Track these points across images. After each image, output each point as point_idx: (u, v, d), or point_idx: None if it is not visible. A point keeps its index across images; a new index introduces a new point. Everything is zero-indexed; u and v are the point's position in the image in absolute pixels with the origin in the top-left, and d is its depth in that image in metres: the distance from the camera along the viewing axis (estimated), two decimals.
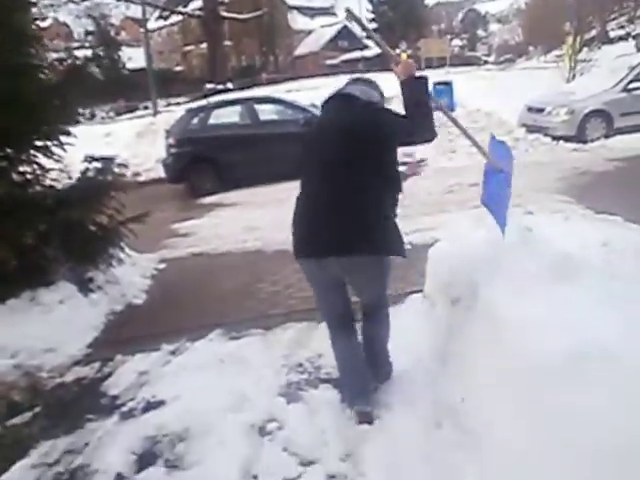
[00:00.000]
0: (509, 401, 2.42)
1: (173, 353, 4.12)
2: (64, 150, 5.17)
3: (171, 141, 9.95)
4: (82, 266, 5.10)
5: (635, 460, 1.86)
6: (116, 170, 5.30)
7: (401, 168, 2.99)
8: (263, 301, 4.93)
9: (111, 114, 30.98)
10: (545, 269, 2.76)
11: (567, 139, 10.99)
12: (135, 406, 3.41)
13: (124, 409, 3.40)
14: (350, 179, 2.62)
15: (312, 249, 2.70)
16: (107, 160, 5.24)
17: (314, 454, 2.64)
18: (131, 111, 27.72)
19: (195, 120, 10.14)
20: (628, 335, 2.18)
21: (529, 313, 2.39)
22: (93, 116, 31.90)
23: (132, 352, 4.18)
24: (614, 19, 28.13)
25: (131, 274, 5.82)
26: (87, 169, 5.12)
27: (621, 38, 24.05)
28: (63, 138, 5.09)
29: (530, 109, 11.99)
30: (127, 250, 6.12)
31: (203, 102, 12.47)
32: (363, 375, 2.97)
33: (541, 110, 11.55)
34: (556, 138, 11.08)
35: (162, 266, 6.26)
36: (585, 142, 10.89)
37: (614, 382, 2.03)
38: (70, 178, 5.18)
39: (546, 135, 11.19)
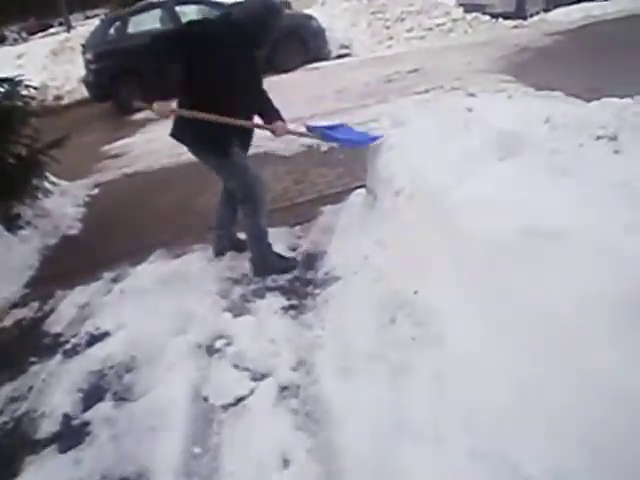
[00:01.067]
0: (462, 286, 2.35)
1: (115, 281, 3.92)
2: None
3: (89, 56, 9.15)
4: (5, 202, 4.71)
5: (583, 335, 1.81)
6: (25, 93, 4.76)
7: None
8: (202, 215, 4.68)
9: (23, 34, 28.53)
10: (489, 149, 2.62)
11: (506, 16, 10.64)
12: (79, 342, 3.23)
13: (67, 346, 3.22)
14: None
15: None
16: (12, 82, 4.69)
17: (265, 367, 2.55)
18: (45, 29, 25.49)
19: (112, 30, 9.30)
20: (573, 210, 2.08)
21: (477, 194, 2.27)
22: (3, 38, 29.36)
23: (72, 285, 3.95)
24: None
25: (62, 204, 5.47)
26: None
27: None
28: None
29: None
30: (54, 179, 5.74)
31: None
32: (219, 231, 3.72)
33: None
34: (495, 16, 10.70)
35: (95, 192, 5.90)
36: (525, 18, 10.59)
37: (563, 257, 1.95)
38: None
39: (484, 13, 10.80)
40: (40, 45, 14.00)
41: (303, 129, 3.58)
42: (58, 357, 3.13)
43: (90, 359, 3.01)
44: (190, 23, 3.23)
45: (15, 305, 3.98)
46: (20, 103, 4.70)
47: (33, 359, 3.19)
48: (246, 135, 3.31)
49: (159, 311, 3.25)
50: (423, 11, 11.10)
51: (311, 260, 3.48)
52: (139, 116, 8.93)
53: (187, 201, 5.02)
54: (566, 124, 3.53)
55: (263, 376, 2.50)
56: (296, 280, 3.30)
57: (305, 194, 4.58)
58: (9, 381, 3.04)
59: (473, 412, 1.97)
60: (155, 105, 2.87)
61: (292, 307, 3.02)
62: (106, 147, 7.50)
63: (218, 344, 2.82)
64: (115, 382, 2.76)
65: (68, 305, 3.73)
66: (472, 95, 6.20)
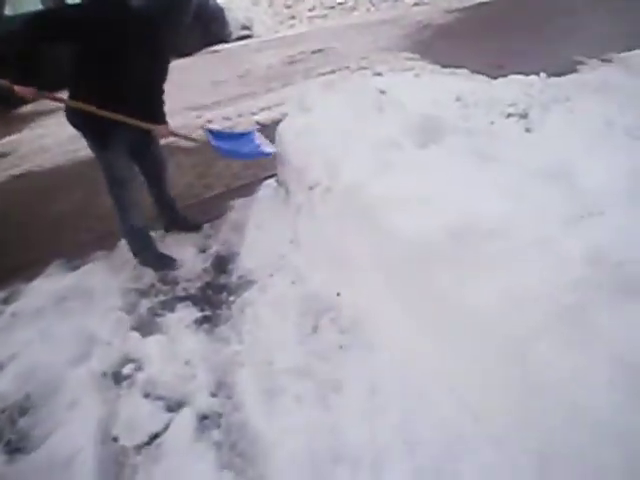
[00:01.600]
0: (388, 287, 2.19)
1: (5, 301, 3.44)
2: None
3: None
4: None
5: (518, 337, 1.69)
6: None
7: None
8: (103, 218, 4.25)
9: None
10: (407, 134, 2.45)
11: None
12: None
13: None
14: None
15: None
16: None
17: (181, 393, 2.27)
18: None
19: None
20: (499, 204, 1.95)
21: (398, 187, 2.08)
22: None
23: None
24: None
25: None
26: None
27: None
28: None
29: None
30: None
31: None
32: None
33: None
34: None
35: None
36: None
37: (492, 256, 1.81)
38: None
39: None
40: None
41: (200, 131, 3.30)
42: None
43: None
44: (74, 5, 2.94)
45: None
46: None
47: None
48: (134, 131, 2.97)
49: (56, 336, 2.86)
50: None
51: (223, 262, 3.21)
52: (27, 109, 8.12)
53: (85, 203, 4.55)
54: (476, 102, 3.45)
55: (179, 405, 2.22)
56: (208, 287, 3.02)
57: (212, 188, 4.26)
58: None
59: (413, 427, 1.81)
60: (16, 87, 2.65)
61: (206, 319, 2.74)
62: None
63: (126, 370, 2.50)
64: (7, 429, 2.36)
65: None
66: (379, 75, 6.09)
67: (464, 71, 5.73)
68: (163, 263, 3.33)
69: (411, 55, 6.82)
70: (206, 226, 3.66)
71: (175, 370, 2.39)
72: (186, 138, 3.53)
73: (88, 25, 2.56)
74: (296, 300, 2.56)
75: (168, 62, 2.99)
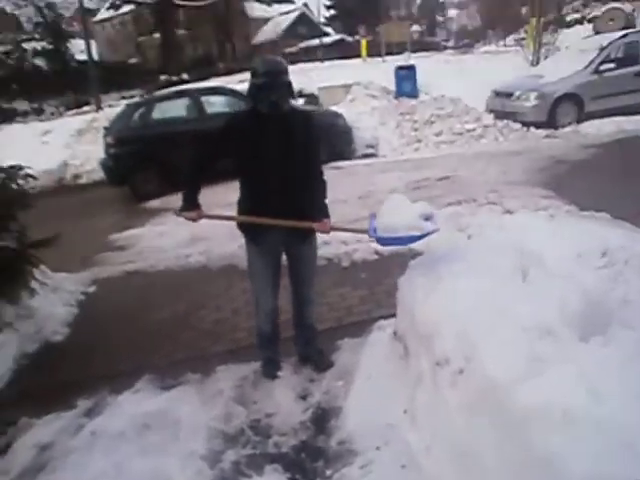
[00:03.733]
0: None
1: (89, 413, 3.29)
2: None
3: (109, 140, 8.92)
4: None
5: None
6: (21, 182, 4.34)
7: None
8: (204, 334, 4.12)
9: (61, 109, 29.33)
10: (562, 319, 2.02)
11: (538, 125, 10.38)
12: None
13: None
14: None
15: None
16: (9, 171, 4.28)
17: None
18: (81, 105, 26.14)
19: (136, 116, 9.12)
20: None
21: (555, 400, 1.63)
22: (41, 111, 30.17)
23: (41, 411, 3.34)
24: (569, 3, 28.02)
25: (52, 302, 4.91)
26: None
27: (577, 21, 23.92)
28: None
29: (498, 94, 11.32)
30: (49, 272, 5.24)
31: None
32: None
33: (509, 95, 10.89)
34: (526, 124, 10.44)
35: (92, 289, 5.35)
36: (556, 128, 10.32)
37: None
38: None
39: (516, 121, 10.55)
40: (68, 123, 14.08)
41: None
42: None
43: None
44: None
45: None
46: (14, 193, 4.24)
47: None
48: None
49: (131, 474, 2.60)
50: (453, 115, 10.90)
51: (324, 418, 2.84)
52: (153, 204, 8.57)
53: (187, 315, 4.45)
54: (627, 261, 3.00)
55: None
56: (303, 448, 2.64)
57: (321, 321, 3.97)
58: None
59: None
60: (184, 213, 3.09)
61: None
62: (113, 236, 7.02)
63: None
64: None
65: (27, 443, 3.10)
66: (510, 212, 5.73)
67: (605, 216, 5.20)
68: (265, 369, 3.35)
69: (544, 192, 6.40)
70: (309, 368, 3.35)
71: None
72: (352, 231, 3.58)
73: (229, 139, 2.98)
74: None
75: (305, 159, 2.98)
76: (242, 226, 3.16)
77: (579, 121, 10.43)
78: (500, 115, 10.86)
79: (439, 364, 2.15)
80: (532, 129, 10.40)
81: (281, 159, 2.89)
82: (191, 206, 3.07)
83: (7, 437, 3.23)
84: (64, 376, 3.81)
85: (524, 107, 10.51)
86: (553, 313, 1.98)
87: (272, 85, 2.80)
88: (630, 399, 1.60)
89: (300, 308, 3.31)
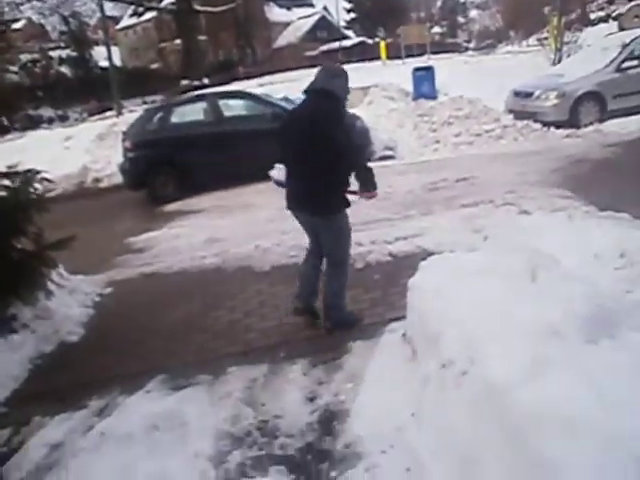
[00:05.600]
0: None
1: (100, 413, 3.32)
2: None
3: (128, 144, 9.00)
4: (1, 302, 4.24)
5: None
6: (37, 186, 4.40)
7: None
8: (217, 335, 4.13)
9: (84, 115, 29.85)
10: (570, 319, 1.96)
11: (559, 125, 10.20)
12: None
13: None
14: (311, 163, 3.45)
15: (297, 207, 3.68)
16: (25, 175, 4.34)
17: None
18: (104, 111, 26.57)
19: (154, 120, 9.19)
20: None
21: (556, 402, 1.58)
22: (65, 118, 30.74)
23: (54, 411, 3.38)
24: (593, 0, 27.61)
25: (69, 304, 4.97)
26: None
27: (602, 20, 23.52)
28: None
29: (517, 94, 11.13)
30: (66, 274, 5.31)
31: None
32: (308, 288, 3.90)
33: (529, 95, 10.70)
34: (547, 124, 10.26)
35: (108, 290, 5.40)
36: (578, 127, 10.11)
37: None
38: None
39: (536, 121, 10.37)
40: (89, 128, 14.29)
41: None
42: None
43: None
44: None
45: None
46: (31, 196, 4.30)
47: None
48: None
49: (137, 475, 2.60)
50: (472, 116, 10.77)
51: (331, 420, 2.80)
52: (170, 207, 8.63)
53: (202, 316, 4.46)
54: None
55: None
56: (309, 450, 2.62)
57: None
58: None
59: None
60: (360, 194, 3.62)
61: None
62: (131, 239, 7.09)
63: None
64: None
65: (39, 442, 3.13)
66: (526, 213, 5.64)
67: (625, 216, 5.07)
68: (355, 319, 3.87)
69: (562, 192, 6.28)
70: (319, 368, 3.33)
71: None
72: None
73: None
74: None
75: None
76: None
77: (601, 120, 10.21)
78: (520, 115, 10.69)
79: (444, 366, 2.11)
80: (552, 129, 10.22)
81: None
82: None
83: (21, 435, 3.27)
84: (78, 376, 3.85)
85: (544, 107, 10.33)
86: (559, 314, 1.92)
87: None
88: (623, 404, 1.54)
89: (325, 278, 3.82)
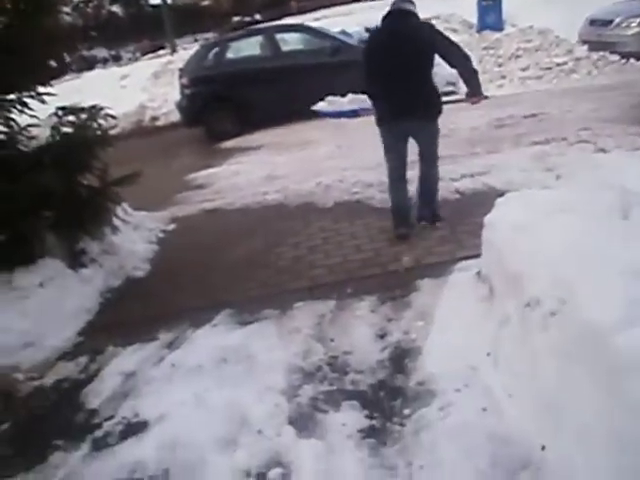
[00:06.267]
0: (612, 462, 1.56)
1: (170, 346, 3.40)
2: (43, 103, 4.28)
3: (184, 81, 8.94)
4: (71, 237, 4.33)
5: None
6: (102, 122, 4.39)
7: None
8: (282, 271, 4.11)
9: (137, 54, 29.86)
10: None
11: (639, 56, 9.42)
12: (112, 429, 2.71)
13: (98, 433, 2.70)
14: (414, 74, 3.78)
15: (398, 117, 3.87)
16: (89, 111, 4.33)
17: None
18: (156, 50, 26.50)
19: (210, 56, 9.06)
20: None
21: None
22: (119, 58, 30.84)
23: (126, 342, 3.50)
24: None
25: (134, 240, 5.06)
26: (57, 125, 4.24)
27: None
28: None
29: (593, 22, 10.19)
30: (130, 210, 5.39)
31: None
32: (407, 207, 4.19)
33: (608, 23, 9.77)
34: (625, 56, 9.48)
35: (171, 227, 5.48)
36: None
37: None
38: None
39: (613, 52, 9.57)
40: (144, 67, 14.27)
41: None
42: (84, 448, 2.61)
43: (118, 460, 2.46)
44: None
45: (64, 356, 3.55)
46: (95, 133, 4.31)
47: (58, 442, 2.69)
48: None
49: (209, 404, 2.66)
50: (542, 48, 10.10)
51: (402, 358, 2.76)
52: (228, 144, 8.60)
53: (265, 252, 4.45)
54: None
55: None
56: (381, 386, 2.59)
57: (399, 260, 3.86)
58: (24, 471, 2.54)
59: None
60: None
61: (372, 430, 2.31)
62: (191, 176, 7.13)
63: (272, 475, 2.16)
64: None
65: (114, 370, 3.24)
66: (603, 151, 5.30)
67: None
68: (397, 230, 4.17)
69: None
70: (387, 305, 3.27)
71: None
72: None
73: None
74: (486, 439, 2.02)
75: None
76: (379, 121, 4.01)
77: None
78: (595, 46, 9.91)
79: (529, 305, 2.00)
80: (632, 61, 9.45)
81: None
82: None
83: (96, 364, 3.40)
84: (146, 310, 3.93)
85: (625, 36, 9.44)
86: None
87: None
88: None
89: (422, 177, 4.15)
